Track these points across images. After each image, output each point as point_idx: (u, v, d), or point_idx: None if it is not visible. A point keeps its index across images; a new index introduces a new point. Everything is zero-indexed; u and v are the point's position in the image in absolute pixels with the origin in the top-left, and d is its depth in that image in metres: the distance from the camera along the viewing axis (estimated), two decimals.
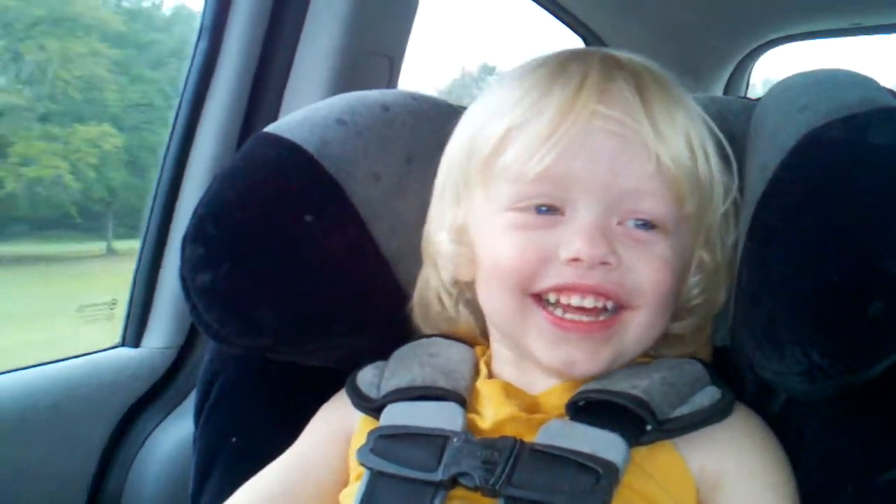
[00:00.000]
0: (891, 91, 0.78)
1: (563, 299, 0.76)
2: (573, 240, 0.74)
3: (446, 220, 0.86)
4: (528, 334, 0.79)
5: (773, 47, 2.51)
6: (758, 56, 2.54)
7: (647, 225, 0.77)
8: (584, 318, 0.76)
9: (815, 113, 0.75)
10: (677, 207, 0.77)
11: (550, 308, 0.77)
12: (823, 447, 0.76)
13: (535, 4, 2.18)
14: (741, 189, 0.85)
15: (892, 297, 0.67)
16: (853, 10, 2.32)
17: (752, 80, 2.62)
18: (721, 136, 0.83)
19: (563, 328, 0.76)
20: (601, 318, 0.76)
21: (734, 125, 0.93)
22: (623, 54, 0.82)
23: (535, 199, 0.77)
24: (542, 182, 0.76)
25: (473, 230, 0.83)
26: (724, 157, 0.82)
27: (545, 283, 0.76)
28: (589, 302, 0.75)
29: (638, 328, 0.78)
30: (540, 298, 0.77)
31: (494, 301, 0.81)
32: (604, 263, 0.74)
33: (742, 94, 2.55)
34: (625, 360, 0.79)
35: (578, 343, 0.76)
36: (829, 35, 2.52)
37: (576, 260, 0.74)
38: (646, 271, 0.76)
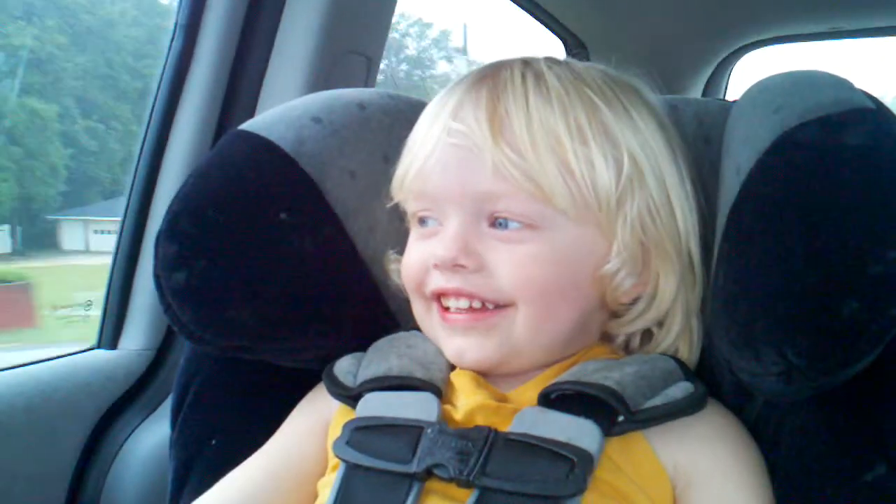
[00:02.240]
0: (865, 92, 0.78)
1: (445, 302, 0.82)
2: (436, 248, 0.80)
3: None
4: (434, 331, 0.85)
5: (752, 50, 2.53)
6: (737, 59, 2.55)
7: (511, 224, 0.79)
8: (464, 311, 0.80)
9: (790, 114, 0.75)
10: (541, 204, 0.77)
11: (444, 304, 0.82)
12: (801, 449, 0.76)
13: (517, 8, 2.18)
14: (717, 191, 0.85)
15: (868, 296, 0.67)
16: (832, 14, 2.33)
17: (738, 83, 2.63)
18: (627, 128, 0.81)
19: (449, 321, 0.81)
20: (485, 308, 0.80)
21: (711, 127, 0.93)
22: (520, 60, 0.84)
23: (418, 214, 0.84)
24: (419, 199, 0.84)
25: None
26: (625, 149, 0.80)
27: (429, 287, 0.82)
28: (463, 303, 0.80)
29: (523, 323, 0.79)
30: (436, 300, 0.83)
31: (413, 306, 0.87)
32: (459, 266, 0.79)
33: (721, 97, 2.57)
34: (523, 351, 0.81)
35: (465, 334, 0.81)
36: (808, 38, 2.54)
37: (436, 265, 0.80)
38: (509, 270, 0.78)
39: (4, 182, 2.03)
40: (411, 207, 0.85)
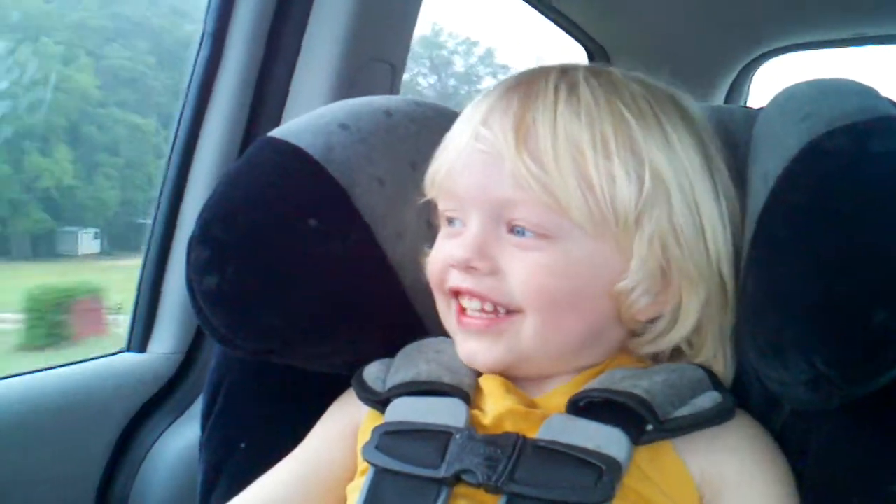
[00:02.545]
0: (891, 100, 0.78)
1: (461, 301, 0.83)
2: (455, 248, 0.81)
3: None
4: (453, 331, 0.86)
5: (774, 57, 2.51)
6: (759, 65, 2.53)
7: (527, 231, 0.79)
8: (477, 315, 0.81)
9: (818, 122, 0.76)
10: (559, 214, 0.78)
11: (461, 304, 0.83)
12: (828, 459, 0.76)
13: (543, 18, 2.19)
14: (744, 198, 0.85)
15: None
16: (856, 21, 2.31)
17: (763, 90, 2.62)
18: (660, 145, 0.80)
19: (463, 323, 0.83)
20: (497, 313, 0.81)
21: (736, 134, 0.93)
22: (557, 68, 0.84)
23: (446, 214, 0.86)
24: (447, 198, 0.85)
25: None
26: (650, 165, 0.79)
27: (447, 285, 0.84)
28: (475, 304, 0.81)
29: (529, 331, 0.80)
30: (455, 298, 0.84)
31: (436, 301, 0.88)
32: (471, 268, 0.80)
33: (743, 103, 2.56)
34: (531, 359, 0.81)
35: (476, 337, 0.82)
36: (831, 45, 2.52)
37: (453, 265, 0.82)
38: (520, 276, 0.79)
39: (112, 190, 2.18)
40: (441, 206, 0.87)
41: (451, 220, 0.85)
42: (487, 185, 0.80)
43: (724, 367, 0.84)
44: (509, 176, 0.78)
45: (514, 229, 0.80)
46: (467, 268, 0.80)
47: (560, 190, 0.77)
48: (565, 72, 0.83)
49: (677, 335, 0.82)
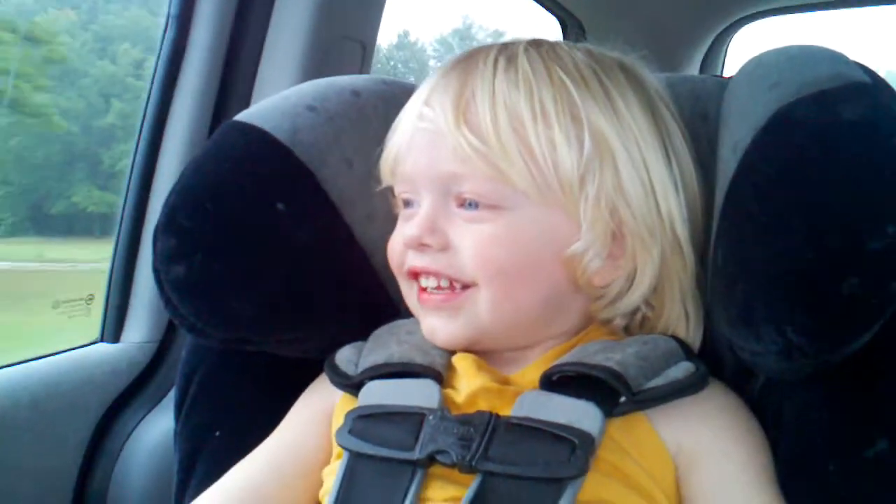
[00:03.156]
0: (861, 66, 0.78)
1: (421, 282, 0.83)
2: (409, 227, 0.82)
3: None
4: (415, 311, 0.87)
5: (748, 23, 2.50)
6: (733, 32, 2.52)
7: (474, 204, 0.80)
8: (435, 292, 0.82)
9: (786, 90, 0.75)
10: (503, 184, 0.78)
11: (420, 284, 0.84)
12: (804, 426, 0.76)
13: None
14: (714, 168, 0.85)
15: (867, 273, 0.67)
16: None
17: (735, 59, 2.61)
18: (601, 108, 0.80)
19: (423, 301, 0.83)
20: (453, 289, 0.81)
21: (708, 104, 0.93)
22: (496, 45, 0.85)
23: (401, 196, 0.86)
24: (400, 182, 0.86)
25: None
26: (592, 129, 0.79)
27: (406, 266, 0.84)
28: (432, 282, 0.82)
29: (486, 302, 0.80)
30: (414, 279, 0.85)
31: (400, 285, 0.88)
32: (424, 245, 0.81)
33: (718, 73, 2.55)
34: (490, 332, 0.81)
35: (435, 314, 0.83)
36: (805, 9, 2.52)
37: (406, 245, 0.83)
38: (470, 249, 0.79)
39: None
40: (396, 190, 0.87)
41: (406, 203, 0.86)
42: (432, 163, 0.81)
43: (687, 327, 0.85)
44: (451, 151, 0.79)
45: (463, 203, 0.80)
46: (420, 245, 0.81)
47: (502, 161, 0.77)
48: (505, 46, 0.84)
49: (635, 296, 0.83)
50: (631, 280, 0.82)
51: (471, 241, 0.79)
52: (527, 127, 0.78)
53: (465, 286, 0.80)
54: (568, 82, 0.80)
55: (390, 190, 0.89)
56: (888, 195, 0.68)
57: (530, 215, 0.79)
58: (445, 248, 0.80)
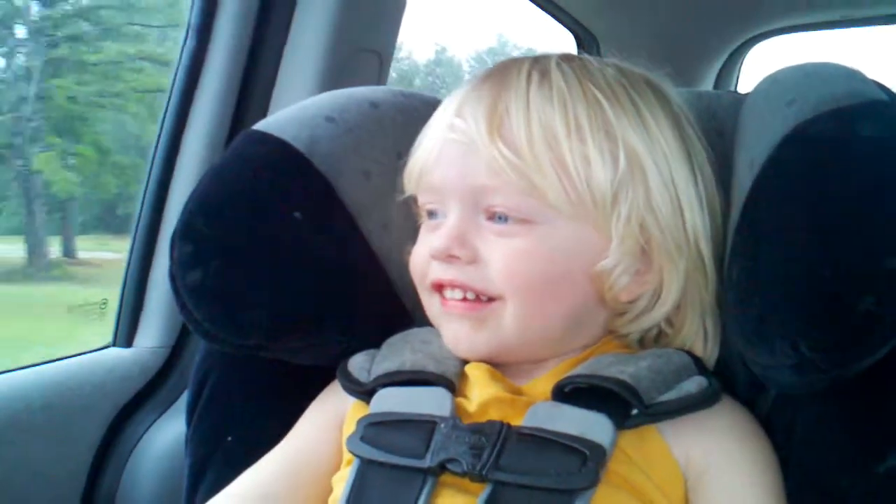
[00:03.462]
0: (878, 83, 0.78)
1: (444, 293, 0.83)
2: (435, 239, 0.81)
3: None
4: (437, 320, 0.86)
5: (762, 40, 2.50)
6: (747, 49, 2.52)
7: (505, 218, 0.79)
8: (459, 302, 0.82)
9: (803, 107, 0.75)
10: (535, 199, 0.78)
11: (443, 295, 0.84)
12: (815, 442, 0.76)
13: (533, 6, 2.18)
14: (730, 184, 0.85)
15: (883, 291, 0.66)
16: (844, 3, 2.31)
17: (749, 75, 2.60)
18: (633, 124, 0.81)
19: (447, 307, 0.83)
20: (479, 300, 0.81)
21: (724, 119, 0.93)
22: (530, 58, 0.85)
23: (426, 207, 0.87)
24: (427, 192, 0.86)
25: None
26: (625, 146, 0.80)
27: (429, 278, 0.84)
28: (458, 294, 0.82)
29: (510, 317, 0.80)
30: (437, 291, 0.84)
31: (421, 296, 0.88)
32: (452, 257, 0.80)
33: (733, 88, 2.55)
34: (513, 346, 0.81)
35: (461, 322, 0.82)
36: (819, 28, 2.52)
37: (434, 256, 0.82)
38: (499, 263, 0.79)
39: None
40: (420, 200, 0.87)
41: (431, 214, 0.86)
42: (464, 175, 0.80)
43: (704, 344, 0.84)
44: (484, 164, 0.79)
45: (493, 216, 0.80)
46: (448, 257, 0.80)
47: (535, 174, 0.77)
48: (537, 60, 0.84)
49: (659, 313, 0.83)
50: (657, 296, 0.83)
51: (500, 255, 0.79)
52: (561, 142, 0.78)
53: (491, 299, 0.80)
54: (601, 98, 0.80)
55: (413, 200, 0.89)
56: None
57: (561, 230, 0.79)
58: (473, 260, 0.80)
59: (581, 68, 0.83)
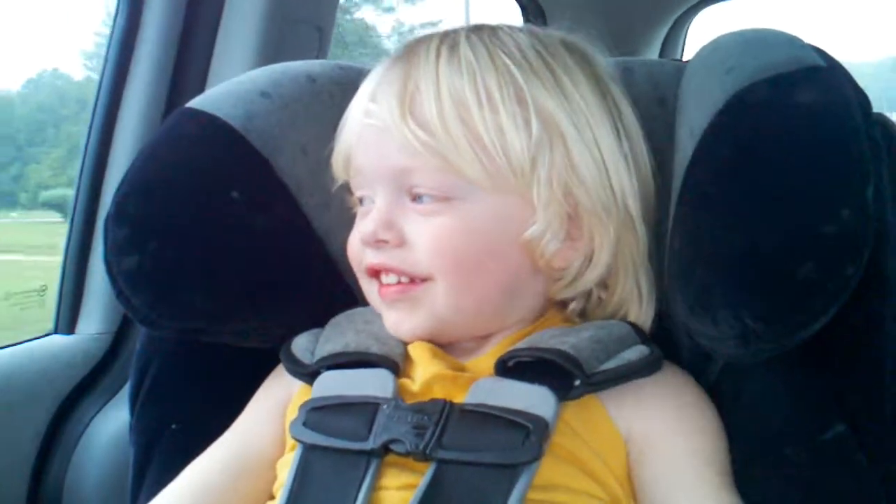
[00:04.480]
0: (817, 49, 0.78)
1: (381, 278, 0.82)
2: (365, 224, 0.81)
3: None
4: (376, 305, 0.85)
5: (706, 6, 2.51)
6: (692, 16, 2.53)
7: (426, 197, 0.79)
8: (393, 286, 0.81)
9: (742, 74, 0.75)
10: (453, 175, 0.78)
11: (380, 280, 0.83)
12: (761, 410, 0.77)
13: None
14: (672, 153, 0.85)
15: (823, 258, 0.67)
16: None
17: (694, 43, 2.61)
18: (550, 89, 0.80)
19: (382, 295, 0.82)
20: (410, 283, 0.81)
21: (665, 88, 0.93)
22: (439, 34, 0.84)
23: (357, 194, 0.86)
24: (353, 178, 0.86)
25: None
26: (541, 110, 0.79)
27: (364, 264, 0.83)
28: (392, 279, 0.81)
29: (444, 295, 0.79)
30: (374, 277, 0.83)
31: (360, 282, 0.87)
32: (380, 241, 0.80)
33: (678, 56, 2.56)
34: (451, 322, 0.81)
35: (395, 307, 0.82)
36: None
37: (363, 242, 0.81)
38: (425, 243, 0.79)
39: None
40: (352, 187, 0.86)
41: (362, 200, 0.85)
42: (382, 158, 0.80)
43: (639, 305, 0.85)
44: (400, 146, 0.78)
45: (415, 197, 0.80)
46: (377, 242, 0.80)
47: (450, 151, 0.77)
48: (447, 35, 0.83)
49: (593, 275, 0.83)
50: (589, 258, 0.82)
51: (424, 235, 0.79)
52: (473, 114, 0.77)
53: (423, 279, 0.80)
54: (511, 65, 0.79)
55: (347, 187, 0.88)
56: (842, 179, 0.68)
57: (484, 204, 0.78)
58: (401, 243, 0.79)
59: (491, 37, 0.82)
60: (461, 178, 0.77)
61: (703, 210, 0.74)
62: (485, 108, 0.77)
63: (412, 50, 0.83)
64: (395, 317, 0.82)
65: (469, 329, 0.83)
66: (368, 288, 0.85)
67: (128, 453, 0.98)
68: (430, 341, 0.82)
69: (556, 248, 0.80)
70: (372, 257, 0.81)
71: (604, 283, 0.84)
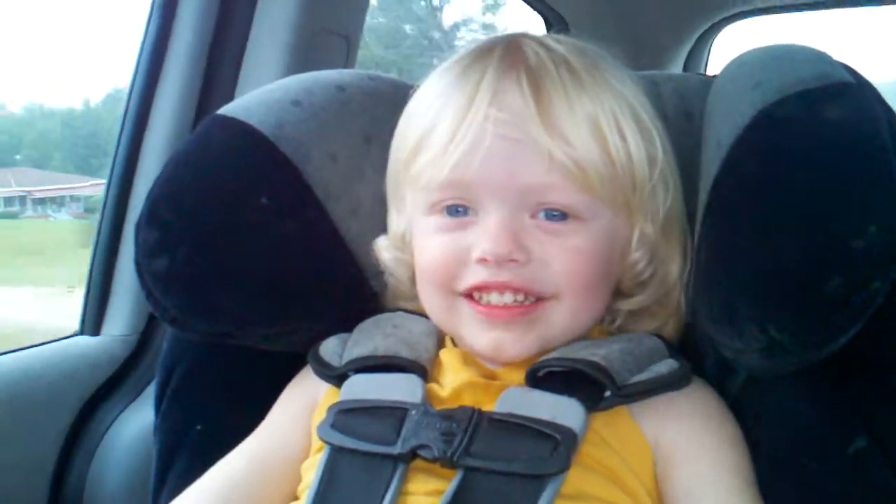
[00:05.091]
0: (845, 65, 0.78)
1: (484, 297, 0.78)
2: (481, 241, 0.77)
3: (391, 225, 0.90)
4: (461, 325, 0.81)
5: (732, 22, 2.51)
6: (717, 32, 2.53)
7: (559, 215, 0.78)
8: (509, 303, 0.78)
9: (770, 89, 0.75)
10: (588, 194, 0.77)
11: (477, 298, 0.79)
12: (784, 424, 0.77)
13: None
14: (699, 166, 0.85)
15: (850, 272, 0.67)
16: None
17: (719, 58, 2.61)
18: (640, 108, 0.82)
19: (490, 315, 0.78)
20: (526, 303, 0.78)
21: (691, 102, 0.93)
22: (533, 41, 0.82)
23: (445, 203, 0.80)
24: (449, 188, 0.79)
25: (410, 234, 0.87)
26: (644, 129, 0.81)
27: (465, 283, 0.79)
28: (507, 298, 0.78)
29: (562, 315, 0.79)
30: (468, 294, 0.80)
31: (428, 300, 0.85)
32: (511, 261, 0.76)
33: (702, 71, 2.55)
34: (556, 343, 0.80)
35: (505, 328, 0.78)
36: (788, 10, 2.53)
37: (485, 260, 0.77)
38: (559, 263, 0.77)
39: None
40: (433, 197, 0.81)
41: (453, 210, 0.80)
42: (515, 172, 0.76)
43: (678, 322, 0.86)
44: (544, 159, 0.76)
45: (544, 214, 0.78)
46: (506, 261, 0.76)
47: (590, 168, 0.76)
48: (542, 44, 0.82)
49: (657, 294, 0.85)
50: (660, 279, 0.84)
51: (558, 255, 0.77)
52: (605, 133, 0.77)
53: (541, 299, 0.79)
54: (617, 85, 0.81)
55: (383, 184, 0.88)
56: (870, 194, 0.68)
57: (606, 224, 0.80)
58: (529, 262, 0.77)
59: (581, 52, 0.82)
60: (592, 197, 0.77)
61: (729, 224, 0.74)
62: (613, 128, 0.78)
63: (516, 53, 0.80)
64: (501, 337, 0.79)
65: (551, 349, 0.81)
66: (446, 308, 0.82)
67: (150, 455, 1.00)
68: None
69: (641, 269, 0.83)
70: (485, 275, 0.77)
71: (658, 301, 0.85)
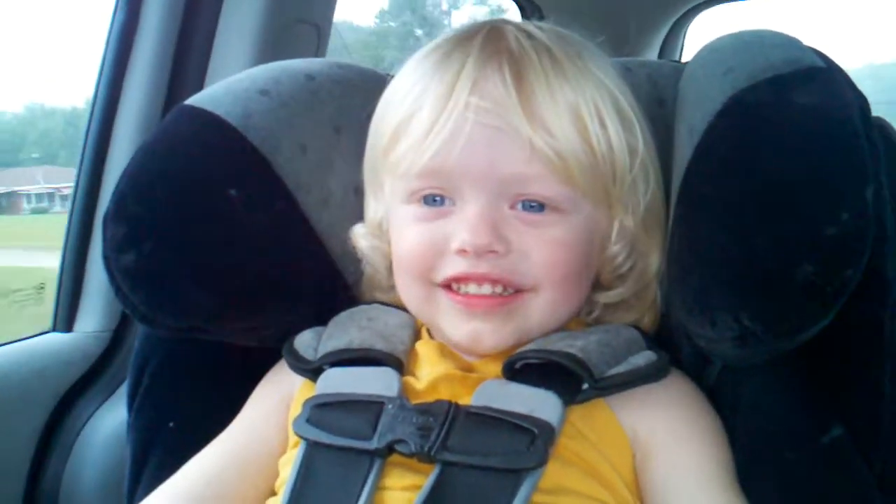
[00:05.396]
0: (816, 50, 0.78)
1: (463, 288, 0.78)
2: (460, 231, 0.76)
3: (369, 212, 0.89)
4: (438, 314, 0.81)
5: (706, 8, 2.51)
6: (692, 18, 2.53)
7: (538, 206, 0.77)
8: (485, 297, 0.77)
9: (741, 75, 0.75)
10: (569, 185, 0.77)
11: (455, 289, 0.78)
12: (760, 414, 0.77)
13: None
14: (671, 154, 0.85)
15: (822, 260, 0.66)
16: None
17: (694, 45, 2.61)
18: (622, 98, 0.81)
19: (469, 305, 0.78)
20: (505, 294, 0.78)
21: (664, 89, 0.93)
22: (514, 28, 0.81)
23: (423, 192, 0.79)
24: (428, 176, 0.78)
25: (387, 222, 0.86)
26: (626, 120, 0.80)
27: (443, 273, 0.78)
28: (486, 289, 0.77)
29: (541, 307, 0.79)
30: (446, 285, 0.79)
31: (405, 290, 0.84)
32: (491, 252, 0.76)
33: (676, 58, 2.55)
34: (534, 335, 0.80)
35: (484, 318, 0.78)
36: None
37: (464, 251, 0.76)
38: (539, 255, 0.77)
39: None
40: (412, 185, 0.80)
41: (432, 200, 0.80)
42: (496, 161, 0.75)
43: (654, 313, 0.86)
44: (526, 149, 0.75)
45: (522, 205, 0.77)
46: (486, 252, 0.76)
47: (571, 157, 0.76)
48: (523, 30, 0.81)
49: (637, 286, 0.84)
50: (639, 271, 0.84)
51: (537, 246, 0.77)
52: (586, 124, 0.76)
53: (519, 290, 0.78)
54: (600, 75, 0.80)
55: (358, 174, 0.87)
56: (843, 181, 0.68)
57: (587, 217, 0.79)
58: (508, 253, 0.76)
59: (574, 43, 0.82)
60: (573, 189, 0.77)
61: (701, 211, 0.74)
62: (594, 118, 0.77)
63: (498, 40, 0.79)
64: (479, 328, 0.78)
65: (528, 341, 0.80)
66: (424, 298, 0.81)
67: (125, 452, 0.98)
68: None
69: (621, 262, 0.82)
70: (464, 266, 0.76)
71: (636, 293, 0.85)
